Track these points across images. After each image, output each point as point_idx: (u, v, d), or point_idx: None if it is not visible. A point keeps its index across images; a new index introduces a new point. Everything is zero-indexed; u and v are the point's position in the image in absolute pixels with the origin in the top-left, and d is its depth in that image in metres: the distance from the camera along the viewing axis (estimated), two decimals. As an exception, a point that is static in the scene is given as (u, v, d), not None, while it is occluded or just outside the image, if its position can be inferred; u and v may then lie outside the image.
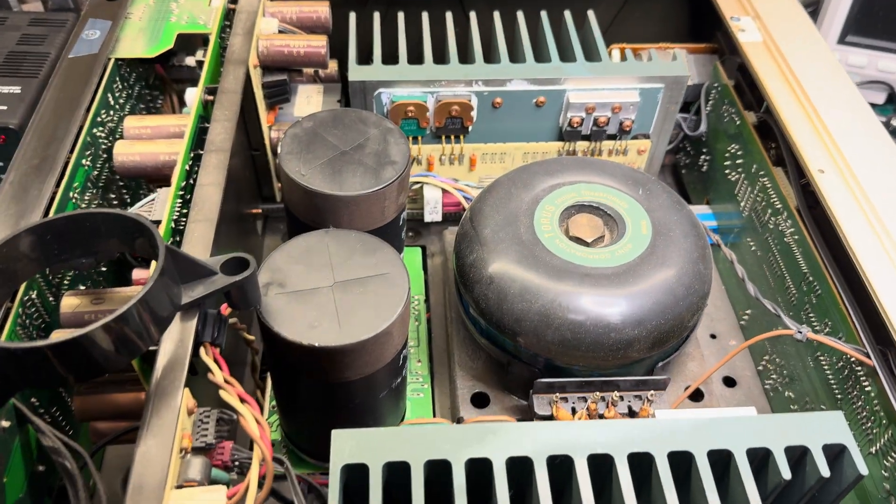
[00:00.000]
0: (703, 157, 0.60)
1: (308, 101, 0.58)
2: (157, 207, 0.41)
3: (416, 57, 0.55)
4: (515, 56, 0.56)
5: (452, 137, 0.55)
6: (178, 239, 0.41)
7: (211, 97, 0.47)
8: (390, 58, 0.54)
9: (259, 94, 0.52)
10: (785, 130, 0.46)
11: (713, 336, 0.53)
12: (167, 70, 0.56)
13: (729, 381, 0.51)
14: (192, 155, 0.45)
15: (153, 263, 0.38)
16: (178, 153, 0.45)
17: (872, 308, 0.38)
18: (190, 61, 0.53)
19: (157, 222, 0.40)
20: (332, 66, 0.60)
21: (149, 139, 0.46)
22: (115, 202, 0.49)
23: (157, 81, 0.57)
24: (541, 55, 0.56)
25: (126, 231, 0.33)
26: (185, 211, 0.43)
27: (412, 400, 0.48)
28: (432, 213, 0.56)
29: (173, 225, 0.41)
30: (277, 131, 0.55)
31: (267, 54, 0.51)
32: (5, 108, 0.64)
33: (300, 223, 0.45)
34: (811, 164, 0.43)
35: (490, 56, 0.56)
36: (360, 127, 0.47)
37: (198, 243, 0.38)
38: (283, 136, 0.45)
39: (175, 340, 0.34)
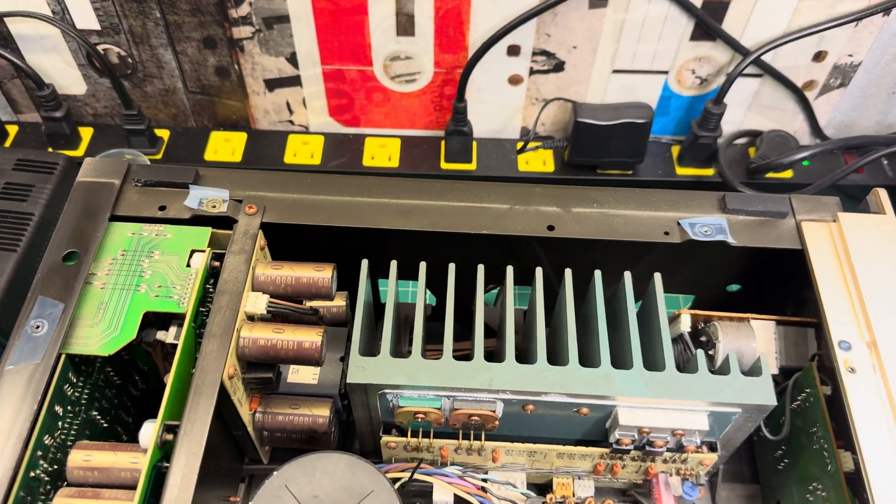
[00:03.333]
0: (781, 453, 0.49)
1: (306, 358, 0.49)
2: None
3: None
4: (557, 345, 0.46)
5: (472, 432, 0.46)
6: None
7: (171, 435, 0.39)
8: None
9: (239, 394, 0.43)
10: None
11: None
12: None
13: None
14: (139, 530, 0.37)
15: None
16: (124, 521, 0.37)
17: None
18: (161, 336, 0.44)
19: None
20: (340, 300, 0.50)
21: (94, 489, 0.38)
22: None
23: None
24: (588, 344, 0.45)
25: None
26: None
27: None
28: (443, 509, 0.47)
29: None
30: (262, 413, 0.46)
31: (248, 353, 0.42)
32: (-24, 297, 0.57)
33: None
34: None
35: (526, 345, 0.46)
36: (347, 486, 0.38)
37: None
38: (251, 509, 0.36)
39: None
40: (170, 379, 0.40)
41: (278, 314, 0.45)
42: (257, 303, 0.43)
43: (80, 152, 0.70)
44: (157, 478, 0.39)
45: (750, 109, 0.70)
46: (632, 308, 0.46)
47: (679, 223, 0.46)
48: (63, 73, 0.68)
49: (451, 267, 0.47)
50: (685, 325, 0.49)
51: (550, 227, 0.46)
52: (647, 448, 0.44)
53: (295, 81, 0.68)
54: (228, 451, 0.47)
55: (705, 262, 0.49)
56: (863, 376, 0.40)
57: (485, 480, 0.47)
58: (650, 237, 0.46)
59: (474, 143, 0.71)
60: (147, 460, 0.38)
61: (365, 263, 0.47)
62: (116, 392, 0.48)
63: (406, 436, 0.46)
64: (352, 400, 0.44)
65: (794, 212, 0.47)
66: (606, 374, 0.43)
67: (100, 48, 0.65)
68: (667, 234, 0.46)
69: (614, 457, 0.46)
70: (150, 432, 0.39)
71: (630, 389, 0.42)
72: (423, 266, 0.47)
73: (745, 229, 0.46)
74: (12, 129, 0.72)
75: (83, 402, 0.44)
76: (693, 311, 0.48)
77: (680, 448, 0.45)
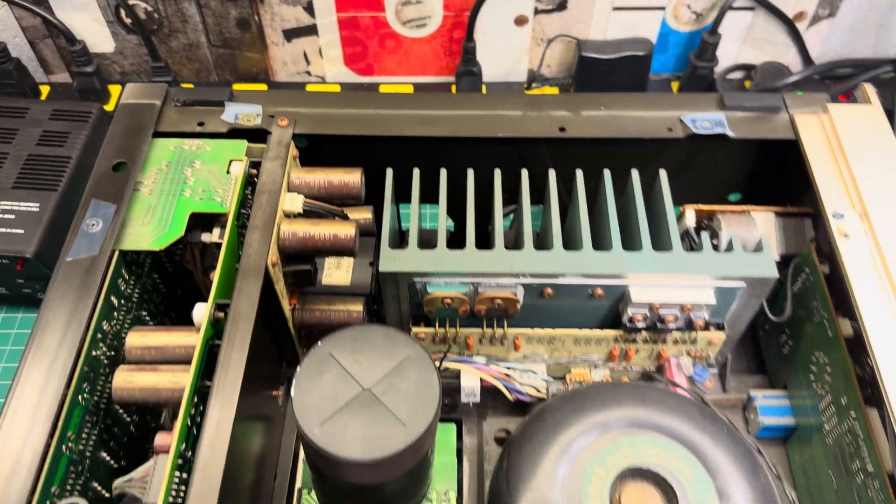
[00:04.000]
0: (784, 337, 0.52)
1: (338, 264, 0.53)
2: (153, 484, 0.37)
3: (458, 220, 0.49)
4: (571, 236, 0.49)
5: (494, 321, 0.49)
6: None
7: (222, 314, 0.42)
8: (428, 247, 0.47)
9: (280, 285, 0.46)
10: (882, 391, 0.39)
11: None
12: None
13: None
14: (196, 394, 0.40)
15: None
16: (181, 388, 0.40)
17: None
18: (206, 238, 0.47)
19: (152, 506, 0.36)
20: (367, 213, 0.54)
21: (151, 364, 0.42)
22: (114, 429, 0.45)
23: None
24: (600, 234, 0.49)
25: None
26: (184, 476, 0.38)
27: None
28: (469, 397, 0.51)
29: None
30: (301, 310, 0.50)
31: (288, 245, 0.46)
32: (22, 231, 0.61)
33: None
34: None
35: (542, 235, 0.49)
36: (386, 352, 0.41)
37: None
38: (297, 372, 0.40)
39: None
40: (218, 267, 0.43)
41: (312, 214, 0.48)
42: (294, 201, 0.47)
43: (110, 107, 0.74)
44: (210, 357, 0.42)
45: (744, 43, 0.73)
46: (640, 198, 0.49)
47: (681, 119, 0.50)
48: (93, 31, 0.72)
49: (470, 172, 0.51)
50: (690, 220, 0.52)
51: (562, 129, 0.50)
52: (659, 325, 0.48)
53: (312, 31, 0.72)
54: (270, 352, 0.50)
55: (707, 161, 0.53)
56: (856, 241, 0.44)
57: (508, 367, 0.51)
58: (655, 134, 0.49)
59: (483, 87, 0.75)
60: (201, 336, 0.41)
61: (390, 172, 0.51)
62: (162, 300, 0.51)
63: (434, 327, 0.49)
64: (383, 292, 0.48)
65: (787, 106, 0.50)
66: (618, 255, 0.46)
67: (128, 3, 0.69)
68: (670, 130, 0.50)
69: (628, 339, 0.49)
70: (203, 310, 0.42)
71: (640, 267, 0.46)
72: (443, 172, 0.51)
73: (742, 124, 0.50)
74: (44, 89, 0.76)
75: (134, 299, 0.47)
76: (697, 206, 0.52)
77: (689, 325, 0.48)
